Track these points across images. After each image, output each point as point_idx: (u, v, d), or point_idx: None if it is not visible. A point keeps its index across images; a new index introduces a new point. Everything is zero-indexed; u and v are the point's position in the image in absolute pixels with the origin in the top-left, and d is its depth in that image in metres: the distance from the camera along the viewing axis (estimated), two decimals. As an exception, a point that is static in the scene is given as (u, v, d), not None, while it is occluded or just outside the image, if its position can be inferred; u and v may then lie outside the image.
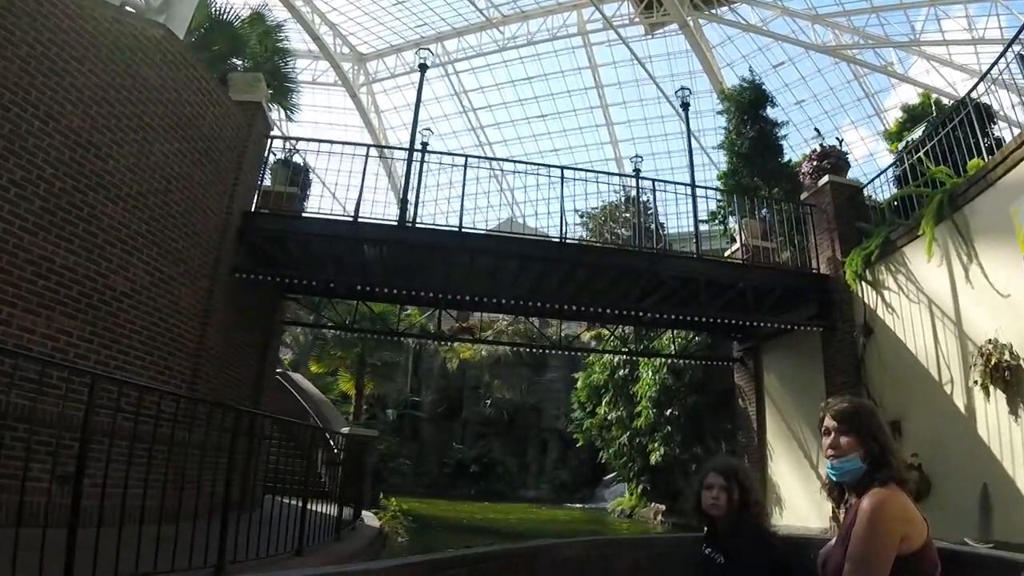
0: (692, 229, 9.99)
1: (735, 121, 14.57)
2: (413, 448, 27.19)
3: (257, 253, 9.57)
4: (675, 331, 13.50)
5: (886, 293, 9.21)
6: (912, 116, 13.40)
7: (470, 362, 26.63)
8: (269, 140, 10.22)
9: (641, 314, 9.21)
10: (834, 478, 2.11)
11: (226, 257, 9.04)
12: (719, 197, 11.60)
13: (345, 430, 13.49)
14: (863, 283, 9.59)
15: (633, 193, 11.54)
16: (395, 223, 9.01)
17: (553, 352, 26.38)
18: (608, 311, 9.17)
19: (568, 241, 8.95)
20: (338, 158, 9.57)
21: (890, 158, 10.52)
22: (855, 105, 25.64)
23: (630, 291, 9.79)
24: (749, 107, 14.53)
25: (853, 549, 1.88)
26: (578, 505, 22.65)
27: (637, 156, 10.27)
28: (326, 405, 15.75)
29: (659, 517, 15.41)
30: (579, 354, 19.13)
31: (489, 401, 26.31)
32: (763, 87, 15.18)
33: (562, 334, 26.56)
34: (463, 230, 8.76)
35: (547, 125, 30.94)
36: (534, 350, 26.60)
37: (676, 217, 11.16)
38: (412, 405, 27.68)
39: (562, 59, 29.48)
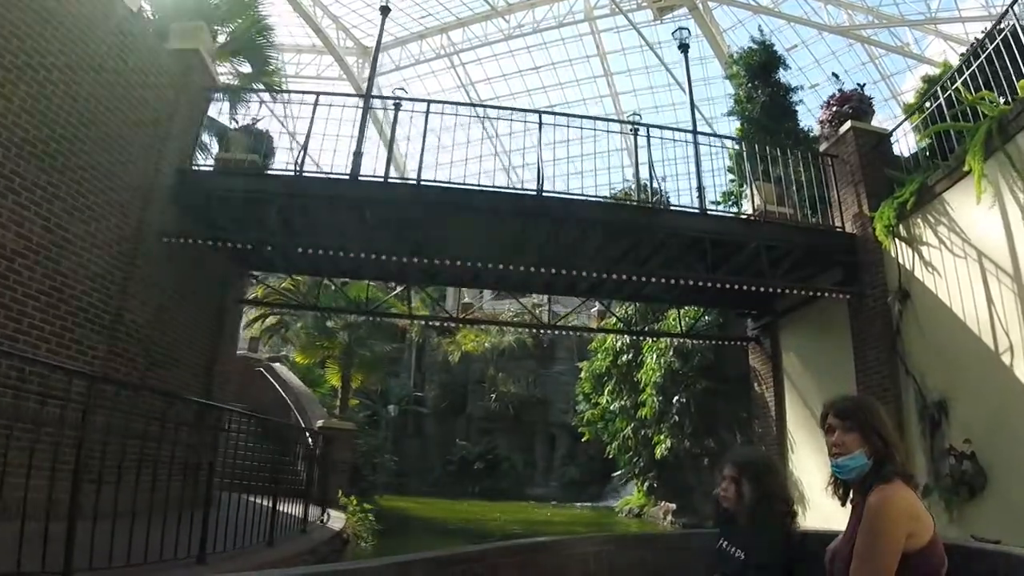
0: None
1: (745, 86, 13.19)
2: (416, 445, 26.15)
3: (202, 218, 8.40)
4: (681, 310, 12.12)
5: (925, 249, 7.76)
6: (934, 85, 11.95)
7: (474, 355, 25.43)
8: (210, 93, 9.04)
9: (638, 279, 7.80)
10: (839, 476, 2.11)
11: (154, 219, 7.89)
12: (723, 146, 10.13)
13: (320, 423, 12.47)
14: (896, 240, 8.14)
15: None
16: (344, 176, 7.76)
17: (560, 334, 25.21)
18: (598, 275, 7.83)
19: (547, 193, 7.63)
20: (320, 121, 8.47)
21: (911, 137, 9.03)
22: (871, 88, 24.00)
23: (625, 256, 8.44)
24: (760, 70, 13.13)
25: (860, 546, 1.88)
26: (587, 504, 21.31)
27: (635, 113, 8.86)
28: (306, 397, 14.64)
29: (669, 517, 13.99)
30: (583, 336, 17.77)
31: (494, 395, 25.00)
32: (774, 48, 13.75)
33: (570, 323, 25.79)
34: (421, 182, 7.50)
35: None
36: (541, 340, 25.74)
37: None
38: (415, 401, 26.52)
39: (569, 47, 28.23)
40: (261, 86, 13.15)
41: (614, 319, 13.86)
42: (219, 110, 12.17)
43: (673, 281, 7.73)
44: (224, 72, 13.40)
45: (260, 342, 26.25)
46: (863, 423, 2.05)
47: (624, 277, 7.69)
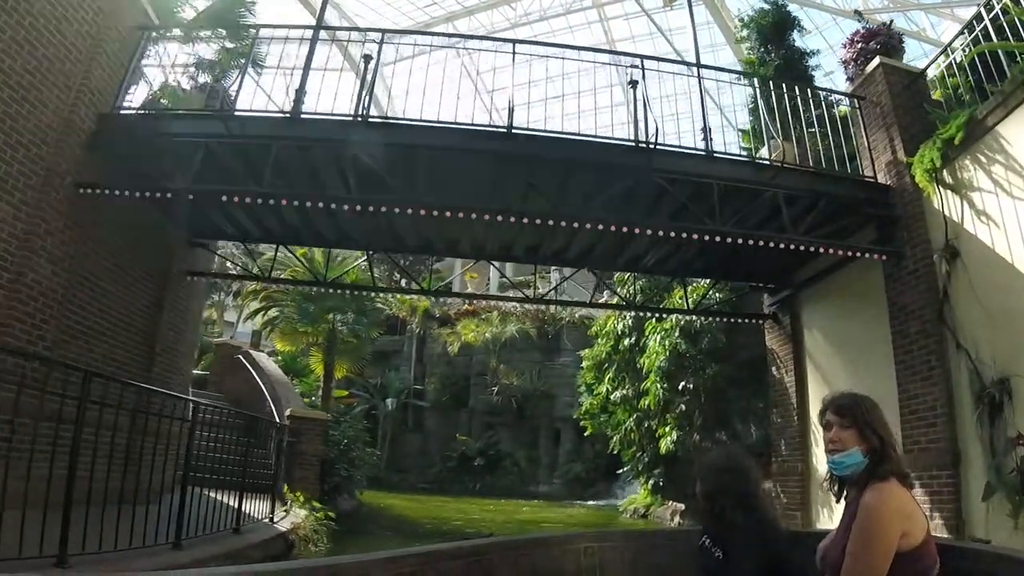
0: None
1: (757, 49, 12.00)
2: (415, 439, 25.05)
3: (130, 169, 7.27)
4: (687, 287, 10.82)
5: (976, 196, 6.45)
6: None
7: (476, 346, 24.18)
8: (144, 34, 7.91)
9: (630, 231, 6.51)
10: (835, 472, 2.11)
11: (67, 167, 6.80)
12: (732, 80, 8.76)
13: (287, 411, 11.40)
14: (940, 188, 6.84)
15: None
16: (283, 115, 6.60)
17: (565, 325, 24.11)
18: (580, 226, 6.59)
19: (519, 130, 6.41)
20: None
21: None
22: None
23: (620, 211, 7.18)
24: (772, 31, 11.92)
25: (853, 544, 1.87)
26: (591, 503, 20.02)
27: (634, 66, 7.54)
28: (283, 386, 13.51)
29: (676, 518, 12.69)
30: (588, 324, 16.49)
31: (496, 388, 23.75)
32: (787, 8, 12.51)
33: (577, 315, 24.47)
34: (368, 118, 6.33)
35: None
36: (545, 331, 24.50)
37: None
38: (415, 394, 25.36)
39: (578, 35, 27.11)
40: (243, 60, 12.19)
41: (616, 299, 12.63)
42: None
43: (674, 234, 6.48)
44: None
45: (263, 335, 25.31)
46: (861, 420, 2.05)
47: (614, 229, 6.44)
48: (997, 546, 2.34)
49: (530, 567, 2.65)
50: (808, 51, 12.39)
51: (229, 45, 12.05)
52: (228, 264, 13.76)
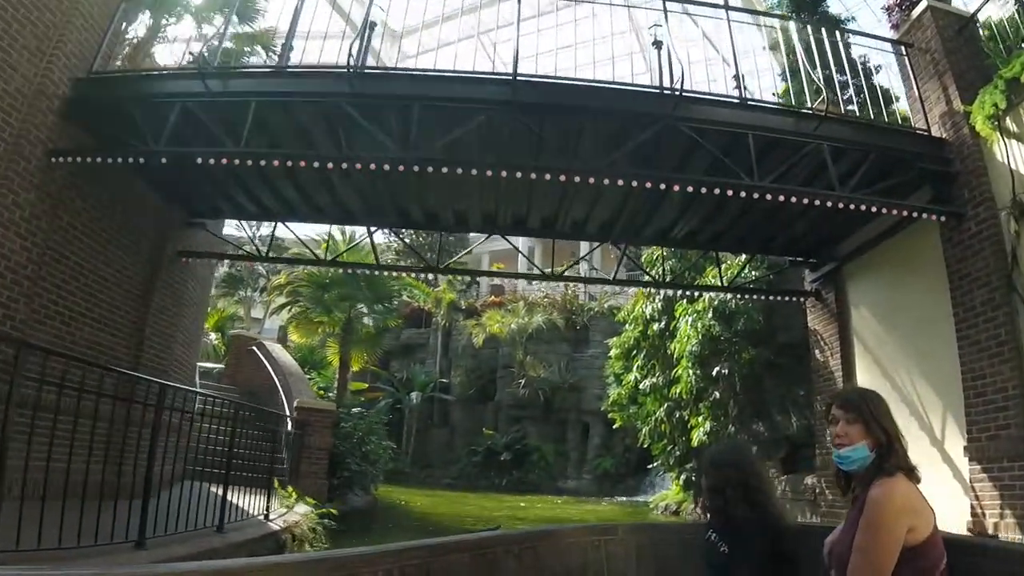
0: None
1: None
2: (441, 434, 24.55)
3: (107, 137, 6.77)
4: (721, 265, 9.99)
5: (1051, 143, 5.59)
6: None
7: (502, 338, 23.50)
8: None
9: (655, 186, 5.74)
10: (841, 467, 2.11)
11: (39, 134, 6.31)
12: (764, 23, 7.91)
13: (295, 403, 10.92)
14: (1004, 136, 5.97)
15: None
16: (268, 68, 6.01)
17: (595, 315, 23.34)
18: (598, 180, 5.85)
19: (525, 77, 5.69)
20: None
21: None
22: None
23: (645, 168, 6.43)
24: None
25: (860, 540, 1.88)
26: (621, 498, 19.23)
27: (656, 25, 6.82)
28: (294, 376, 13.04)
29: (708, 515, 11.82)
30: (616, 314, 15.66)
31: (523, 381, 23.05)
32: None
33: (606, 306, 23.67)
34: (363, 70, 5.68)
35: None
36: (573, 322, 23.76)
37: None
38: (440, 388, 24.80)
39: (600, 20, 26.71)
40: (259, 47, 11.71)
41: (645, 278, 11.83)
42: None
43: (705, 190, 5.69)
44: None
45: (288, 331, 25.04)
46: (866, 415, 2.04)
47: (636, 185, 5.70)
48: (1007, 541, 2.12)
49: (535, 560, 2.63)
50: (842, 19, 11.63)
51: (247, 30, 11.58)
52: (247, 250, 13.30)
